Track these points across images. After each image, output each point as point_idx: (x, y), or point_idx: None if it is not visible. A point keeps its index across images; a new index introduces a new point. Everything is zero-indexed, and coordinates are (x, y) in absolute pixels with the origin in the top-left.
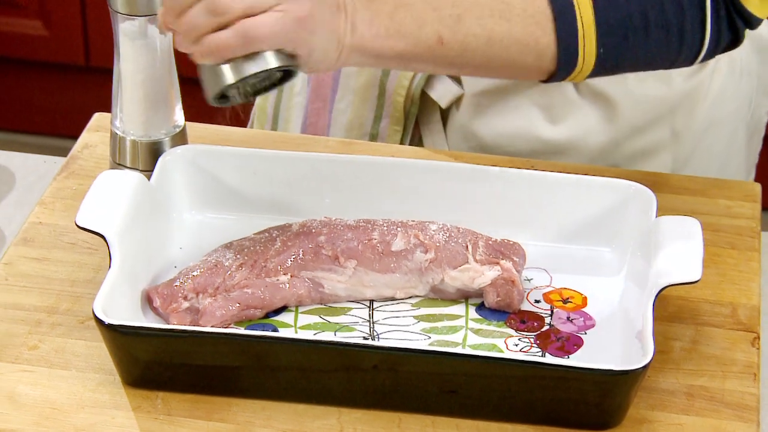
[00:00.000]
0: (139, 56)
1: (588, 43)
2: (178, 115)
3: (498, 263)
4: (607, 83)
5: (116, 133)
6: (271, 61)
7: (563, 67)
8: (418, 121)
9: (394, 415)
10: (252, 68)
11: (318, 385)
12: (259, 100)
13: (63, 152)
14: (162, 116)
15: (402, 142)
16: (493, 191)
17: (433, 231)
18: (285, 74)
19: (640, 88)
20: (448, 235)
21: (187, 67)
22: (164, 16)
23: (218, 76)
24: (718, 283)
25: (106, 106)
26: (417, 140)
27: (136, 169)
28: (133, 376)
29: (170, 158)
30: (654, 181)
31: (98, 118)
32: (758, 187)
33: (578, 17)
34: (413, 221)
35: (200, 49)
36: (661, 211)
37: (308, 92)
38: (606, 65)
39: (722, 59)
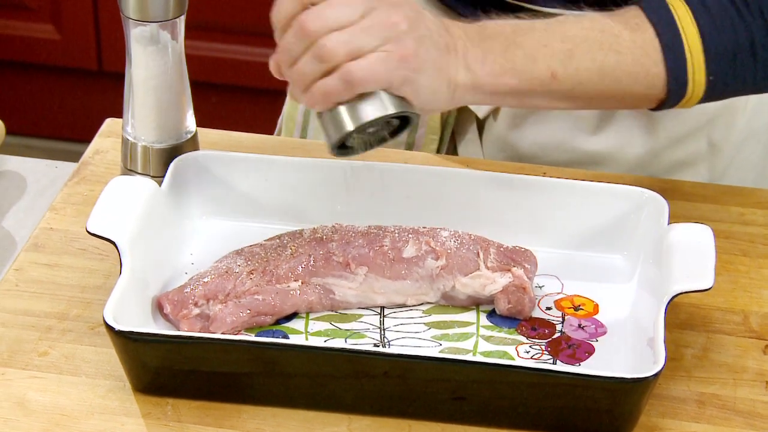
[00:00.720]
0: (150, 62)
1: (697, 71)
2: (190, 121)
3: (509, 270)
4: None
5: (128, 139)
6: (388, 106)
7: (673, 96)
8: (453, 130)
9: (404, 422)
10: (369, 114)
11: (328, 392)
12: (288, 107)
13: (74, 157)
14: (173, 122)
15: (438, 152)
16: (505, 198)
17: (445, 238)
18: (404, 121)
19: None
20: (459, 241)
21: (198, 72)
22: (278, 66)
23: (337, 124)
24: (729, 290)
25: (117, 111)
26: (452, 150)
27: (148, 175)
28: (143, 383)
29: (181, 164)
30: (666, 188)
31: (110, 123)
32: None
33: (686, 47)
34: (424, 228)
35: (309, 96)
36: (674, 218)
37: None
38: (715, 91)
39: None
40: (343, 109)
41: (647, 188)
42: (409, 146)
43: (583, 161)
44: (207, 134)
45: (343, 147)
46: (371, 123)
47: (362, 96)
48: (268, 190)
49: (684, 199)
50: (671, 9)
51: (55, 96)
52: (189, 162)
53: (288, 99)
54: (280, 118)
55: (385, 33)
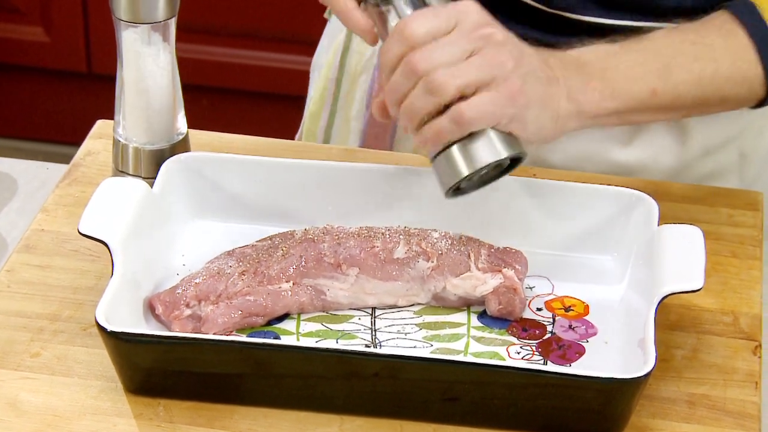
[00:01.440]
0: (141, 64)
1: None
2: (181, 123)
3: (500, 271)
4: None
5: (119, 141)
6: (501, 150)
7: None
8: None
9: (395, 422)
10: (484, 158)
11: (320, 393)
12: (307, 122)
13: (65, 159)
14: (165, 124)
15: None
16: (496, 199)
17: (435, 239)
18: (513, 160)
19: None
20: (450, 243)
21: (189, 74)
22: (382, 107)
23: (452, 168)
24: (719, 291)
25: (108, 113)
26: None
27: (139, 177)
28: (135, 384)
29: (173, 166)
30: (656, 190)
31: (101, 125)
32: (761, 195)
33: None
34: (415, 229)
35: (421, 136)
36: (664, 219)
37: (366, 116)
38: None
39: None
40: (457, 153)
41: (637, 189)
42: None
43: (615, 173)
44: (198, 136)
45: (456, 190)
46: (485, 167)
47: (472, 136)
48: (259, 192)
49: (674, 201)
50: (758, 8)
51: (44, 98)
52: (180, 163)
53: (307, 115)
54: (299, 130)
55: (493, 71)
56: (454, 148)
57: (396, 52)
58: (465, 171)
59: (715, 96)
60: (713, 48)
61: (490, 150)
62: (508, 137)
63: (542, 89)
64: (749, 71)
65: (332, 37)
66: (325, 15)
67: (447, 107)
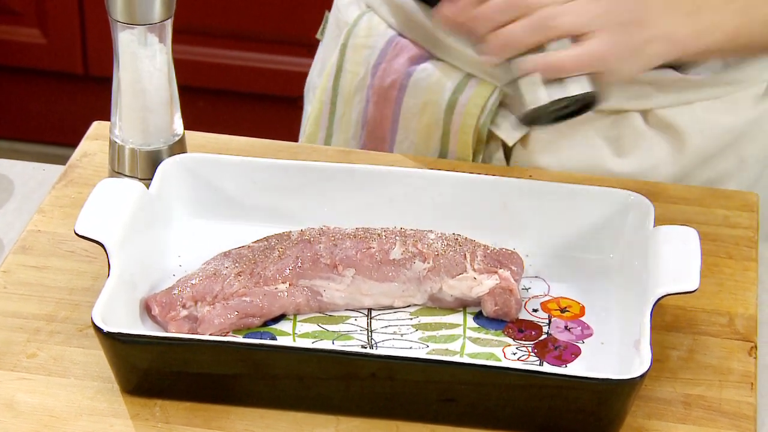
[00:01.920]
0: (138, 65)
1: None
2: (177, 124)
3: (496, 272)
4: (675, 113)
5: (115, 142)
6: (585, 84)
7: None
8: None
9: (392, 423)
10: (569, 90)
11: (316, 393)
12: (305, 143)
13: (61, 161)
14: (161, 125)
15: None
16: (492, 200)
17: (432, 240)
18: (590, 101)
19: (709, 117)
20: (446, 243)
21: (185, 76)
22: (479, 27)
23: (535, 93)
24: (715, 292)
25: (104, 115)
26: None
27: (135, 178)
28: (132, 384)
29: (169, 167)
30: (652, 191)
31: (97, 126)
32: (756, 196)
33: None
34: (411, 230)
35: (532, 63)
36: (659, 220)
37: (362, 136)
38: None
39: None
40: (540, 80)
41: (633, 191)
42: None
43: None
44: (194, 137)
45: (532, 118)
46: (567, 99)
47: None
48: (256, 192)
49: (669, 202)
50: None
51: (41, 100)
52: (177, 164)
53: (304, 138)
54: (302, 132)
55: (607, 19)
56: (539, 75)
57: None
58: (544, 100)
59: None
60: None
61: (575, 83)
62: (591, 79)
63: (638, 37)
64: None
65: (324, 60)
66: (318, 35)
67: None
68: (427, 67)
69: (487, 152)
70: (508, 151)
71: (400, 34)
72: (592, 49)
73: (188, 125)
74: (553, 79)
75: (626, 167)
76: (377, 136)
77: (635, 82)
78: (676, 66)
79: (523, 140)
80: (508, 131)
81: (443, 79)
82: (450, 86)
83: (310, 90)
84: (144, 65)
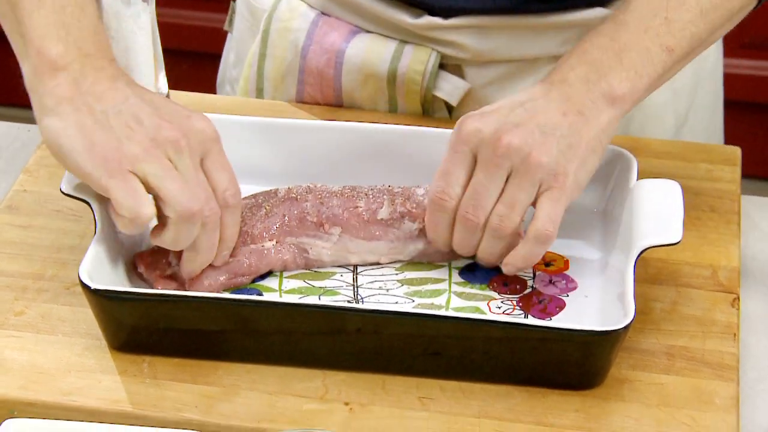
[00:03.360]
0: (121, 24)
1: None
2: (162, 83)
3: None
4: None
5: None
6: None
7: None
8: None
9: (378, 377)
10: None
11: (303, 348)
12: (246, 71)
13: None
14: (145, 83)
15: None
16: None
17: (420, 197)
18: None
19: None
20: None
21: (171, 38)
22: (461, 252)
23: None
24: (698, 245)
25: None
26: None
27: None
28: (120, 341)
29: None
30: (635, 146)
31: None
32: (738, 151)
33: None
34: (399, 188)
35: (510, 268)
36: (642, 174)
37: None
38: None
39: None
40: None
41: (616, 145)
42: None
43: None
44: (179, 97)
45: None
46: None
47: None
48: (242, 151)
49: (652, 156)
50: None
51: None
52: None
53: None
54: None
55: (537, 178)
56: None
57: (445, 223)
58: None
59: (718, 17)
60: None
61: None
62: None
63: (581, 146)
64: None
65: (240, 51)
66: (225, 27)
67: None
68: (360, 41)
69: (433, 107)
70: (454, 113)
71: (324, 13)
72: (557, 193)
73: (173, 85)
74: None
75: None
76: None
77: (566, 27)
78: (604, 3)
79: (466, 99)
80: (449, 92)
81: (378, 49)
82: (387, 56)
83: (225, 83)
84: (127, 24)
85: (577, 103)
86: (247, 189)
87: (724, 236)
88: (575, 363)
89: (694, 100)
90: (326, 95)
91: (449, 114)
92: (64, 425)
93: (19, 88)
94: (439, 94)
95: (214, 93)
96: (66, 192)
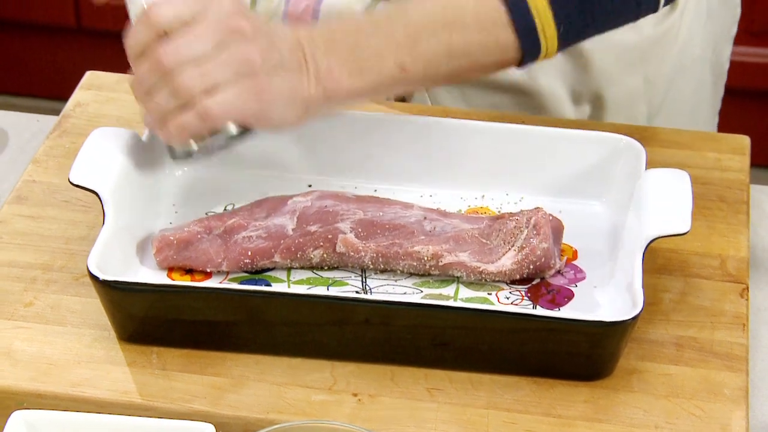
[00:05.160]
0: None
1: (546, 26)
2: None
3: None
4: None
5: None
6: (232, 128)
7: (529, 55)
8: None
9: (386, 368)
10: (215, 138)
11: (311, 339)
12: None
13: (55, 113)
14: None
15: None
16: (483, 146)
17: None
18: (244, 133)
19: (611, 36)
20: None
21: None
22: (134, 94)
23: (182, 147)
24: (707, 235)
25: (97, 67)
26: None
27: None
28: (128, 332)
29: None
30: (643, 136)
31: (90, 76)
32: (747, 140)
33: (531, 4)
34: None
35: (165, 131)
36: (651, 164)
37: None
38: (569, 40)
39: (690, 0)
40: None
41: (625, 134)
42: None
43: (526, 92)
44: None
45: (185, 158)
46: (213, 143)
47: None
48: (248, 141)
49: (661, 146)
50: None
51: (33, 53)
52: None
53: None
54: None
55: (240, 68)
56: None
57: (142, 39)
58: (195, 147)
59: (468, 63)
60: (464, 12)
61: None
62: None
63: (289, 81)
64: (501, 35)
65: None
66: None
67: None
68: None
69: None
70: None
71: None
72: (243, 91)
73: None
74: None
75: (534, 86)
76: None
77: None
78: None
79: None
80: None
81: (353, 2)
82: (361, 7)
83: None
84: None
85: (306, 53)
86: (255, 177)
87: (732, 226)
88: (584, 354)
89: (671, 88)
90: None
91: None
92: (73, 416)
93: (30, 77)
94: None
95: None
96: (75, 182)
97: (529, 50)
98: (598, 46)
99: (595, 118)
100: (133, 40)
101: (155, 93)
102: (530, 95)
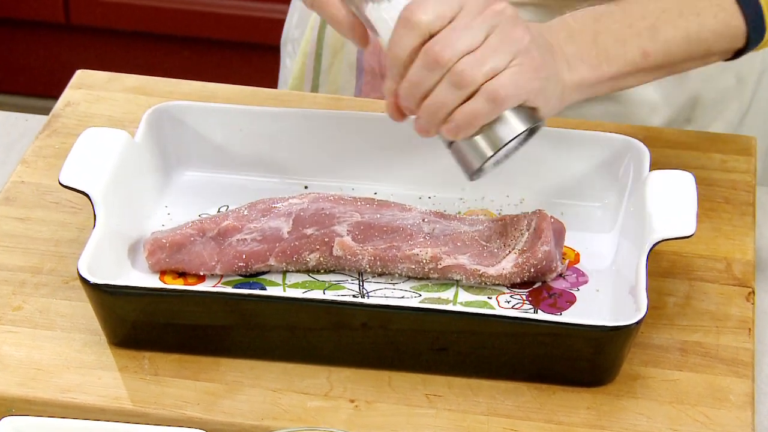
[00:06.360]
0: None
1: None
2: None
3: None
4: None
5: None
6: (518, 125)
7: (752, 42)
8: None
9: (384, 373)
10: (505, 135)
11: (307, 344)
12: (297, 67)
13: (44, 112)
14: None
15: None
16: None
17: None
18: (531, 133)
19: None
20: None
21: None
22: (404, 102)
23: (477, 151)
24: (712, 237)
25: (87, 65)
26: None
27: None
28: (119, 337)
29: (155, 115)
30: (647, 136)
31: (81, 75)
32: (753, 140)
33: None
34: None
35: (451, 125)
36: (655, 165)
37: (360, 85)
38: None
39: None
40: (478, 136)
41: (628, 135)
42: None
43: (618, 101)
44: (181, 85)
45: (480, 170)
46: (508, 143)
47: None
48: (243, 141)
49: (665, 147)
50: None
51: (22, 51)
52: (163, 113)
53: (291, 67)
54: (282, 86)
55: (514, 48)
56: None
57: (409, 43)
58: (489, 152)
59: (701, 50)
60: (696, 2)
61: (510, 126)
62: (525, 111)
63: (551, 61)
64: (732, 22)
65: (303, 10)
66: None
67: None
68: None
69: None
70: None
71: None
72: (524, 68)
73: (175, 74)
74: (487, 128)
75: (629, 93)
76: (377, 83)
77: None
78: None
79: None
80: None
81: None
82: None
83: (288, 42)
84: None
85: (553, 42)
86: (248, 181)
87: (738, 228)
88: (586, 359)
89: (759, 85)
90: (383, 63)
91: None
92: (63, 423)
93: (17, 75)
94: None
95: (215, 80)
96: (65, 184)
97: (753, 38)
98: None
99: (689, 122)
100: (399, 48)
101: (435, 91)
102: (622, 104)
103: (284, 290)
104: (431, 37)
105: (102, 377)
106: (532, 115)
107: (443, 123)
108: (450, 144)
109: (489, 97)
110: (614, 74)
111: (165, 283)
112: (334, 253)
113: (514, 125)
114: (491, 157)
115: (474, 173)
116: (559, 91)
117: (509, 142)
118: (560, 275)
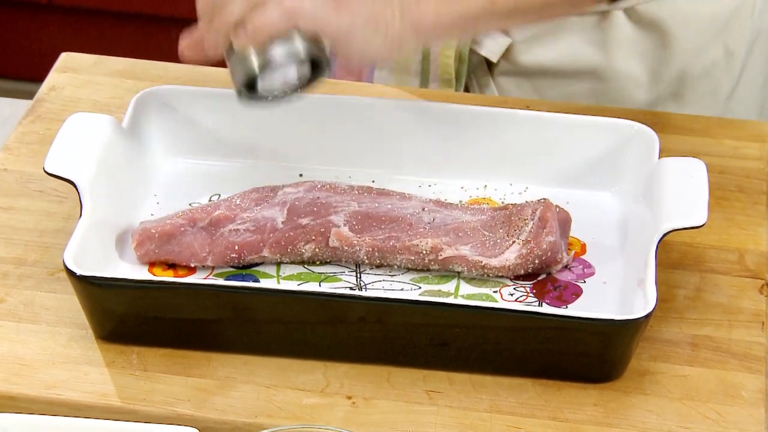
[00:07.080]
0: None
1: None
2: None
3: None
4: (657, 7)
5: None
6: (299, 49)
7: None
8: (466, 81)
9: (383, 368)
10: (277, 54)
11: (302, 338)
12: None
13: (28, 96)
14: None
15: None
16: (488, 133)
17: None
18: (316, 74)
19: (692, 8)
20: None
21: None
22: (202, 21)
23: (245, 65)
24: (724, 227)
25: (71, 47)
26: None
27: None
28: (107, 331)
29: (143, 100)
30: (656, 121)
31: (66, 58)
32: (767, 126)
33: None
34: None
35: (242, 33)
36: (665, 152)
37: (334, 70)
38: None
39: None
40: (252, 51)
41: (636, 121)
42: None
43: (602, 77)
44: (170, 69)
45: (251, 92)
46: (279, 64)
47: (275, 41)
48: (236, 127)
49: (675, 133)
50: None
51: (3, 33)
52: (151, 97)
53: None
54: None
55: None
56: (251, 48)
57: None
58: (255, 64)
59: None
60: None
61: (287, 48)
62: (314, 44)
63: (372, 5)
64: None
65: None
66: None
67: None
68: None
69: (473, 71)
70: (491, 65)
71: None
72: (294, 4)
73: (164, 57)
74: (264, 50)
75: (613, 66)
76: (350, 70)
77: None
78: None
79: (506, 55)
80: (490, 48)
81: None
82: None
83: None
84: None
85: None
86: (239, 168)
87: (751, 218)
88: (593, 354)
89: (749, 57)
90: None
91: (489, 70)
92: (48, 420)
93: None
94: (478, 49)
95: (207, 64)
96: (50, 171)
97: None
98: (679, 20)
99: (676, 97)
100: None
101: (228, 6)
102: (606, 81)
103: (278, 282)
104: None
105: (89, 373)
106: (320, 48)
107: (234, 34)
108: (227, 55)
109: (283, 8)
110: (457, 20)
111: (154, 275)
112: (331, 244)
113: (291, 49)
114: (260, 74)
115: (241, 89)
116: (383, 38)
117: (281, 64)
118: (566, 267)
